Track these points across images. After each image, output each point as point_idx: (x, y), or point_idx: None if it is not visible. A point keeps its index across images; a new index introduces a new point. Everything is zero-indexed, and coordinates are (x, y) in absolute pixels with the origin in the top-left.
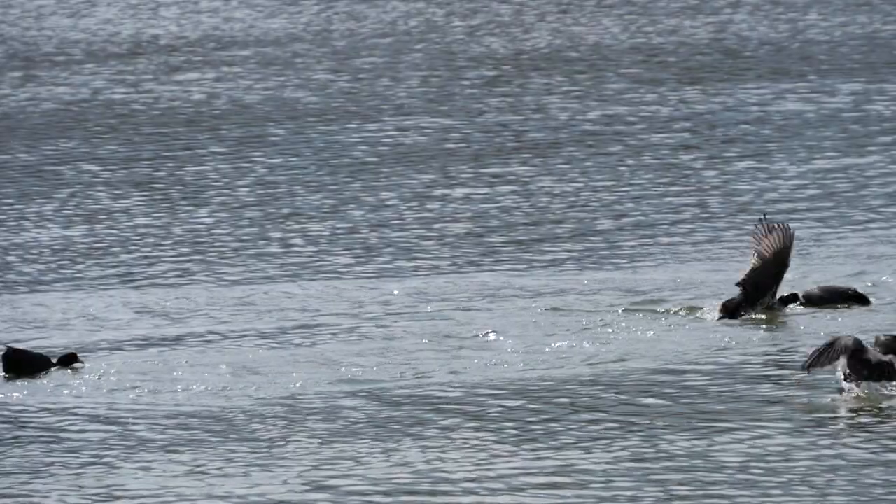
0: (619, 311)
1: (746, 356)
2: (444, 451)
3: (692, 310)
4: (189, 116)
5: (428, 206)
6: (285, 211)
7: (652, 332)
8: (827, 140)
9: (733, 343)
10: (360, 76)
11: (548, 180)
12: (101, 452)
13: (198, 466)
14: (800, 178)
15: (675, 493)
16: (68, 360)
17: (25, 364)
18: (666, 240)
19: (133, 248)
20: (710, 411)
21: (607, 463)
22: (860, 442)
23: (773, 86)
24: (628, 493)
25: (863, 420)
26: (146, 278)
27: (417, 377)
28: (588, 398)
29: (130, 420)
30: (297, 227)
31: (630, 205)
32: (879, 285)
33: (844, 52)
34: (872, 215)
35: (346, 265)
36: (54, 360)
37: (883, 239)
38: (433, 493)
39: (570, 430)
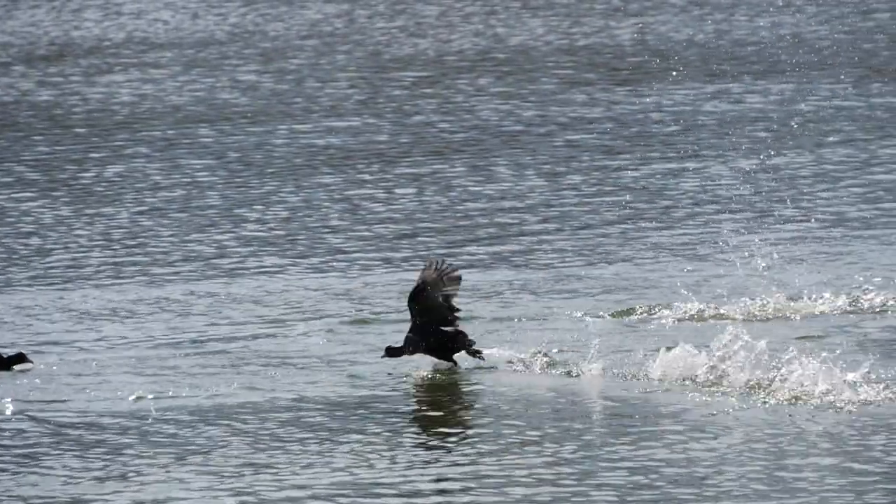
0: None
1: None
2: (364, 459)
3: (625, 313)
4: (117, 118)
5: (356, 207)
6: (213, 212)
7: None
8: (755, 140)
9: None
10: (288, 77)
11: (476, 181)
12: (31, 455)
13: (119, 471)
14: (729, 178)
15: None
16: (15, 361)
17: None
18: (596, 240)
19: (61, 249)
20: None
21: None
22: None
23: (701, 86)
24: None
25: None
26: (75, 279)
27: (348, 384)
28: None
29: (59, 424)
30: (225, 227)
31: (558, 205)
32: (804, 287)
33: (772, 53)
34: (801, 216)
35: (275, 265)
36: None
37: (811, 238)
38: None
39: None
